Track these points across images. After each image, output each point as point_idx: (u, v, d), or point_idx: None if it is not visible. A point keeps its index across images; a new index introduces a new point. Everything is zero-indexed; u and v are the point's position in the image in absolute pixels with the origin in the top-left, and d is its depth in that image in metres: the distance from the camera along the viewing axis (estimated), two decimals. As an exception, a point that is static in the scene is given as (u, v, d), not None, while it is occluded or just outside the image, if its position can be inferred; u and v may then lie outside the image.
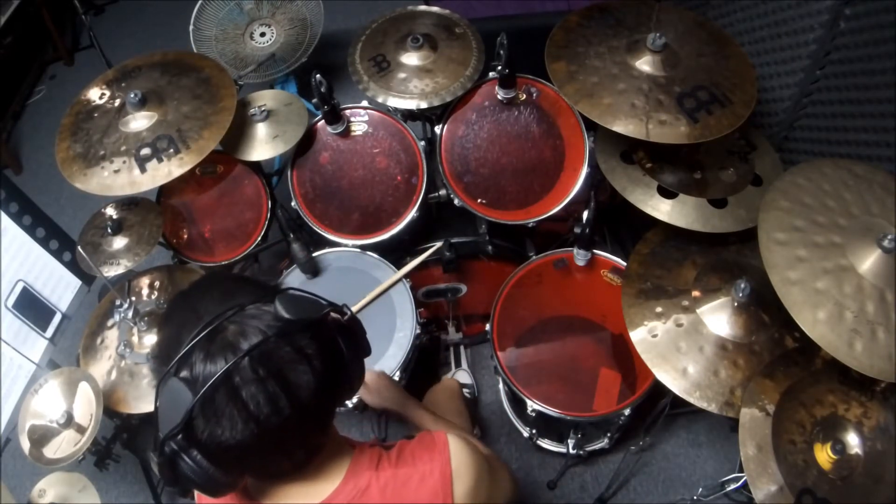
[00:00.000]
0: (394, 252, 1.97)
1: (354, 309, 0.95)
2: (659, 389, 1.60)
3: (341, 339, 0.88)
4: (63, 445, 1.54)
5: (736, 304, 1.49)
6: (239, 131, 1.85)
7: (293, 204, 1.92)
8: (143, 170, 1.64)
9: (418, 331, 1.78)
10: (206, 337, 0.77)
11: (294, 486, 0.90)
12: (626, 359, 1.71)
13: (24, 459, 1.52)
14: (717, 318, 1.50)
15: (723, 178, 1.70)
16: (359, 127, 1.92)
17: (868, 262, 1.24)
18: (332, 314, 0.89)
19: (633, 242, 1.87)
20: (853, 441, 1.27)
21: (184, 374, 0.77)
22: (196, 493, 0.99)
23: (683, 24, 1.73)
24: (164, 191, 1.95)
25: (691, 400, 1.44)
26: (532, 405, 1.69)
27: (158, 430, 0.79)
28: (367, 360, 0.97)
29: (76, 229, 1.82)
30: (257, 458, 0.82)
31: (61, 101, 3.03)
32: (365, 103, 1.92)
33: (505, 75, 1.78)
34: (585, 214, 1.69)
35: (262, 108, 1.86)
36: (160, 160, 1.65)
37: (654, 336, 1.52)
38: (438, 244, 1.86)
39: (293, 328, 0.81)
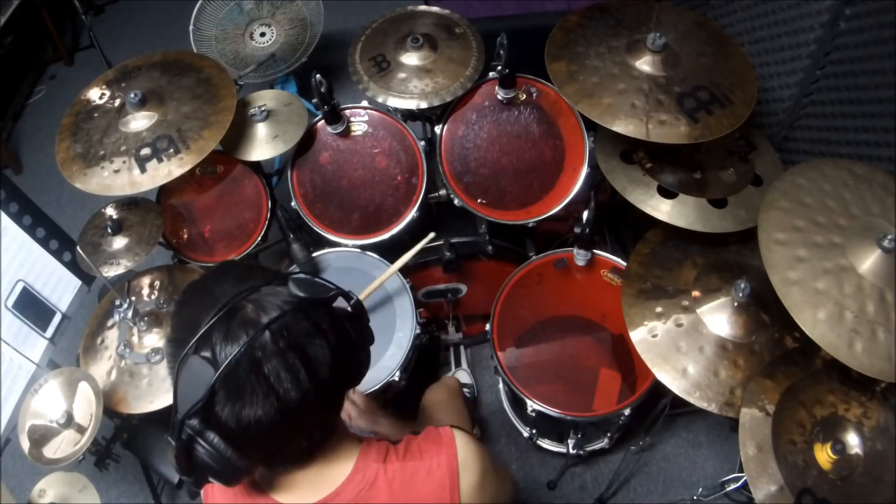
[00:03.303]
0: (394, 252, 1.96)
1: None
2: (659, 389, 1.59)
3: (349, 324, 0.90)
4: (63, 445, 1.54)
5: (736, 304, 1.49)
6: (239, 131, 1.85)
7: (293, 204, 1.92)
8: (143, 170, 1.64)
9: (418, 331, 1.78)
10: (224, 316, 0.79)
11: (303, 475, 0.91)
12: (626, 359, 1.71)
13: (24, 459, 1.52)
14: (717, 318, 1.50)
15: (723, 178, 1.70)
16: (359, 127, 1.92)
17: (868, 262, 1.24)
18: (339, 301, 0.90)
19: (633, 242, 1.87)
20: (853, 441, 1.27)
21: (204, 352, 0.78)
22: (203, 492, 0.99)
23: (683, 24, 1.73)
24: (164, 191, 1.95)
25: (691, 400, 1.44)
26: (532, 405, 1.69)
27: (177, 412, 0.78)
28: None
29: (76, 229, 1.82)
30: (276, 437, 0.82)
31: (61, 101, 3.03)
32: (365, 103, 1.92)
33: (505, 75, 1.78)
34: (585, 214, 1.69)
35: (262, 108, 1.86)
36: (160, 160, 1.65)
37: (654, 336, 1.52)
38: (432, 234, 1.85)
39: (308, 305, 0.83)
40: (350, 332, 0.89)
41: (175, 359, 0.81)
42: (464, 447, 0.96)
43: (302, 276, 0.88)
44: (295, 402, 0.79)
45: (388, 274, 1.78)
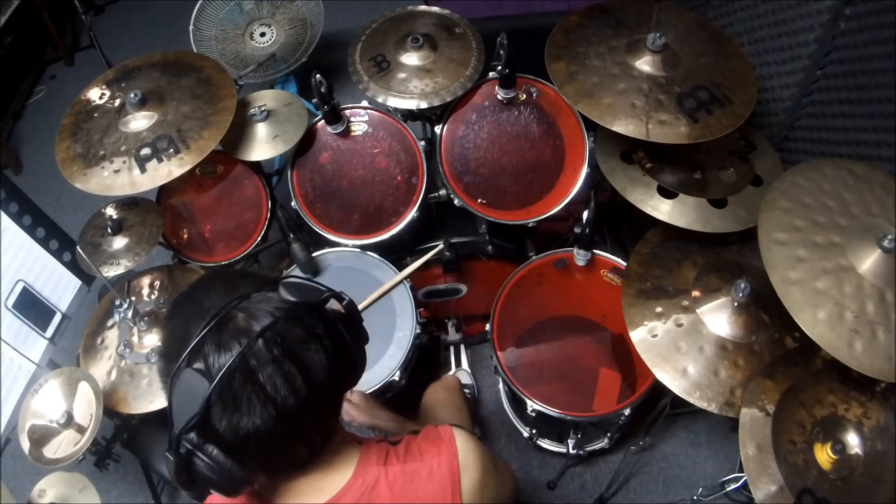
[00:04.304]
0: (394, 252, 1.97)
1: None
2: (659, 389, 1.59)
3: (342, 325, 0.89)
4: (63, 445, 1.54)
5: (736, 304, 1.49)
6: (239, 131, 1.85)
7: (293, 204, 1.92)
8: (143, 170, 1.64)
9: (418, 331, 1.78)
10: (215, 327, 0.78)
11: (305, 481, 0.90)
12: (626, 359, 1.71)
13: (24, 459, 1.52)
14: (717, 318, 1.50)
15: (723, 178, 1.70)
16: (359, 127, 1.92)
17: (868, 262, 1.24)
18: (331, 303, 0.90)
19: (633, 242, 1.87)
20: (853, 441, 1.27)
21: (197, 365, 0.77)
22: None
23: (683, 24, 1.73)
24: (164, 191, 1.95)
25: (691, 400, 1.44)
26: (532, 405, 1.69)
27: (173, 427, 0.78)
28: (367, 361, 0.97)
29: (76, 229, 1.82)
30: (276, 445, 0.82)
31: (61, 101, 3.03)
32: (365, 103, 1.92)
33: (505, 75, 1.78)
34: (585, 214, 1.69)
35: (262, 108, 1.86)
36: (160, 160, 1.65)
37: (654, 336, 1.52)
38: (440, 244, 1.86)
39: (301, 310, 0.82)
40: (344, 334, 0.88)
41: (167, 374, 0.80)
42: (464, 446, 0.95)
43: (292, 279, 0.86)
44: (293, 409, 0.79)
45: (391, 284, 1.77)
